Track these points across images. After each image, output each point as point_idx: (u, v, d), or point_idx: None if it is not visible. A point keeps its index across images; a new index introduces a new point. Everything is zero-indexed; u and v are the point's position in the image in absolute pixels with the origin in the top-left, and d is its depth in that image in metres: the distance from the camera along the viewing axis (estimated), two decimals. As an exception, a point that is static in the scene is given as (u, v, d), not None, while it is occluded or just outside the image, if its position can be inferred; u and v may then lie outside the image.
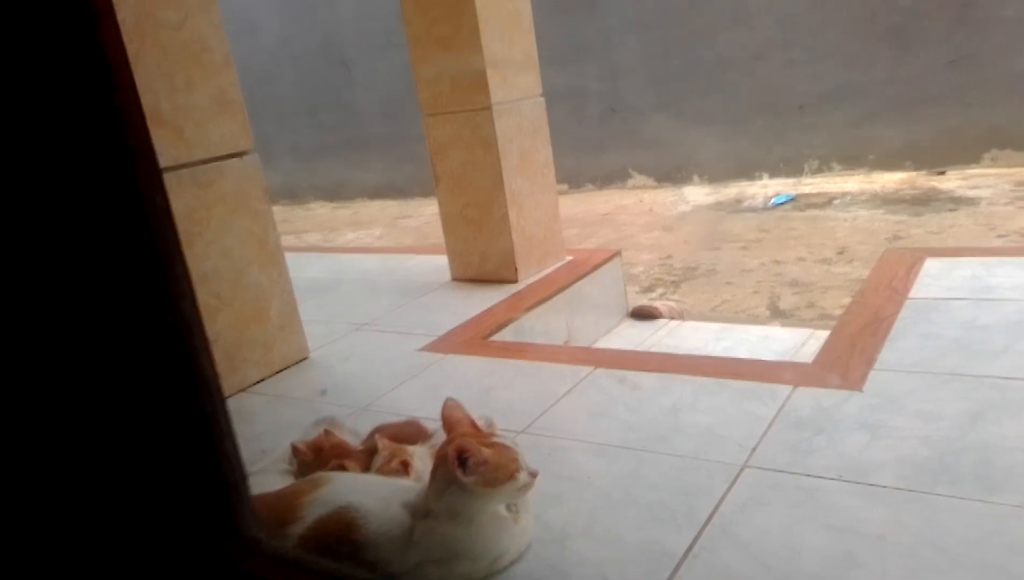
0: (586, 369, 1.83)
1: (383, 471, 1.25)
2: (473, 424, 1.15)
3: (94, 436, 0.48)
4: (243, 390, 2.03)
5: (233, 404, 1.97)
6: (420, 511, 1.07)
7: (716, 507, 1.20)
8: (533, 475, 1.09)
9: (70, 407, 0.48)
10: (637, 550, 1.13)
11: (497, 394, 1.79)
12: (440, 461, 1.08)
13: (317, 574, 0.46)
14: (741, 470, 1.30)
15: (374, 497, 1.11)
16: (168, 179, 1.88)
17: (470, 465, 1.03)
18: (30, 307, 0.48)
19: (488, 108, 2.50)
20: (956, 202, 3.93)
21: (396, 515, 1.08)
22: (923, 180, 4.47)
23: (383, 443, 1.30)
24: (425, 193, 5.47)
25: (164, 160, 1.87)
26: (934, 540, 1.06)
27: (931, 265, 2.19)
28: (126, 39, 1.80)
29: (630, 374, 1.77)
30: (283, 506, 1.08)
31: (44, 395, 0.48)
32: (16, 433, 0.49)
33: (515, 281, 2.62)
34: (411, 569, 1.03)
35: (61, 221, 0.48)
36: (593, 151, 5.50)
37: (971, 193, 4.05)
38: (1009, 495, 1.13)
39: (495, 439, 1.10)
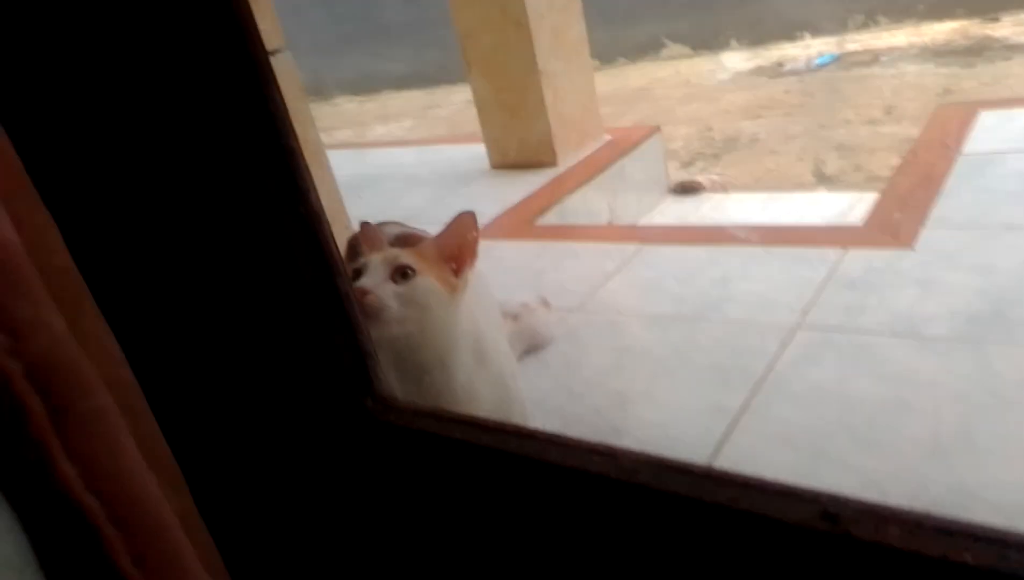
0: (632, 246, 1.86)
1: None
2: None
3: (259, 323, 0.56)
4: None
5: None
6: None
7: (770, 366, 1.25)
8: None
9: (240, 302, 0.57)
10: (695, 409, 1.20)
11: (548, 276, 1.83)
12: None
13: (448, 421, 0.52)
14: (794, 331, 1.34)
15: None
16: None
17: None
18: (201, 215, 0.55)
19: (517, -17, 2.41)
20: (1011, 50, 3.72)
21: None
22: (976, 28, 4.22)
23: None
24: (452, 80, 5.35)
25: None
26: (986, 384, 1.10)
27: (985, 118, 2.13)
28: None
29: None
30: None
31: (220, 293, 0.57)
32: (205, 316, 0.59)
33: (555, 164, 2.61)
34: None
35: (211, 142, 0.53)
36: (623, 22, 5.28)
37: (1028, 39, 3.82)
38: (1062, 339, 1.15)
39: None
